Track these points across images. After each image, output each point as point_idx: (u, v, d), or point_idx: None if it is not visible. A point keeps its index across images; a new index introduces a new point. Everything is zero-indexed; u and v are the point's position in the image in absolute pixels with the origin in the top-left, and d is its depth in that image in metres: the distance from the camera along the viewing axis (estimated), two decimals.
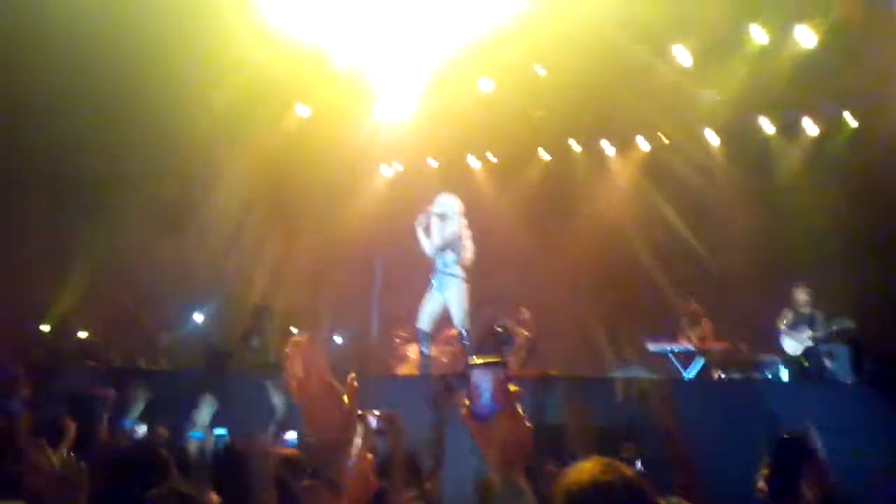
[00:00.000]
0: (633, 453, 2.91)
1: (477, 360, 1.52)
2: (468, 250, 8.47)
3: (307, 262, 11.74)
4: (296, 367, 1.54)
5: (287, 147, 11.38)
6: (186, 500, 2.41)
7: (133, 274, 11.41)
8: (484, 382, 1.50)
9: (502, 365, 1.52)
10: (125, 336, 10.93)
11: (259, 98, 10.56)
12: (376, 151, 12.46)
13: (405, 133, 11.63)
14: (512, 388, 1.51)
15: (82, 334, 10.89)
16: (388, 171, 13.66)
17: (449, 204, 8.66)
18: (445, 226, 8.55)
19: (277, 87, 10.70)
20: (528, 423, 1.52)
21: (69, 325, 10.97)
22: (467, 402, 1.50)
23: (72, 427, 4.12)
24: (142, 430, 4.92)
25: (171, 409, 5.34)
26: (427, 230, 8.61)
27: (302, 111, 11.81)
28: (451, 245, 8.51)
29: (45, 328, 11.21)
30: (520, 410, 1.51)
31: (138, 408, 4.44)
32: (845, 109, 11.18)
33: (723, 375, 9.66)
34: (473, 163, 13.38)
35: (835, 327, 9.40)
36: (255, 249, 11.99)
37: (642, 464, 2.90)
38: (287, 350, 1.55)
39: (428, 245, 8.60)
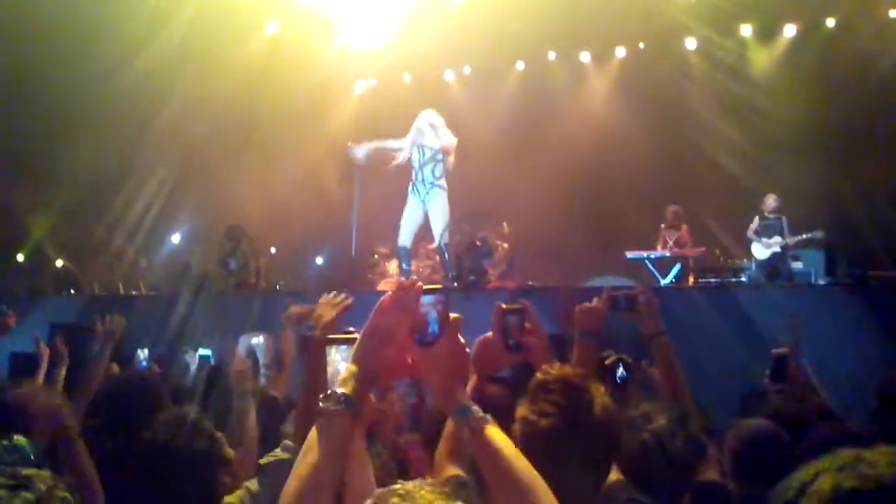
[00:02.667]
0: (614, 360, 2.94)
1: (426, 287, 1.51)
2: (451, 162, 8.43)
3: (283, 180, 11.61)
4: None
5: (258, 64, 11.08)
6: (190, 426, 2.40)
7: (106, 199, 11.26)
8: (431, 310, 1.49)
9: (446, 292, 1.51)
10: (103, 263, 10.86)
11: (226, 15, 10.21)
12: (349, 67, 12.18)
13: (378, 48, 11.34)
14: (453, 315, 1.51)
15: (59, 263, 10.81)
16: (361, 87, 13.41)
17: (436, 117, 8.55)
18: (440, 136, 8.44)
19: (245, 3, 10.35)
20: (467, 349, 1.52)
21: (45, 255, 10.88)
22: (411, 330, 1.50)
23: (65, 352, 4.10)
24: (143, 355, 4.88)
25: (155, 334, 5.37)
26: (436, 133, 8.48)
27: (271, 28, 11.47)
28: (444, 155, 8.44)
29: (21, 258, 11.11)
30: (460, 337, 1.51)
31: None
32: (823, 11, 11.05)
33: (699, 280, 9.83)
34: (449, 76, 13.15)
35: (805, 236, 9.57)
36: (230, 169, 11.83)
37: (624, 369, 2.94)
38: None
39: (436, 143, 8.45)
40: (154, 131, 10.98)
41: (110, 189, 11.31)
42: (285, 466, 2.34)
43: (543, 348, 2.11)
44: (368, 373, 1.49)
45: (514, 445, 1.45)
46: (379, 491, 1.25)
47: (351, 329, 3.31)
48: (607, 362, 2.95)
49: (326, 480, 1.40)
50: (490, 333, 2.03)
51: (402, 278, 8.87)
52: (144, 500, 2.32)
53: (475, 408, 1.47)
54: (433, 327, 1.49)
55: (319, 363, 1.96)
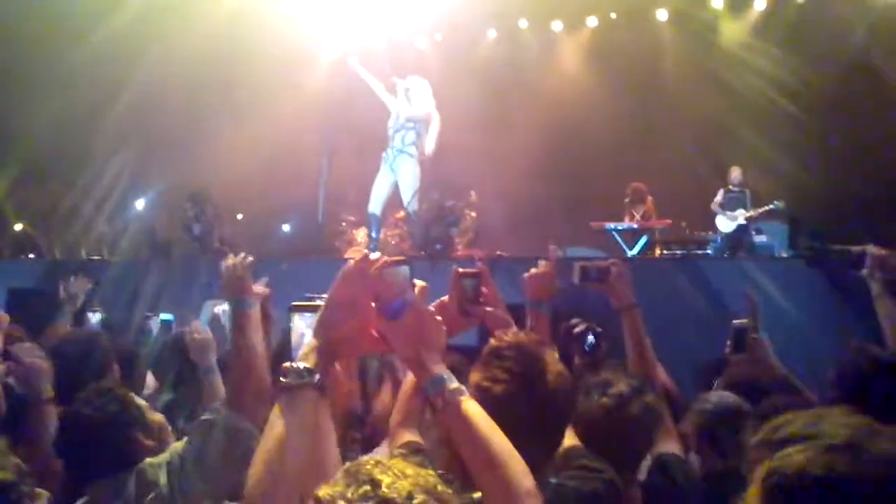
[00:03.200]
0: (584, 328, 2.94)
1: (387, 259, 1.49)
2: (432, 139, 8.37)
3: (249, 147, 11.43)
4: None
5: (227, 29, 10.83)
6: (111, 400, 2.47)
7: (69, 162, 11.01)
8: (397, 281, 1.47)
9: (410, 262, 1.50)
10: (64, 226, 10.65)
11: None
12: (321, 33, 11.97)
13: (350, 14, 11.16)
14: (419, 283, 1.49)
15: (18, 227, 10.57)
16: (333, 52, 13.19)
17: (420, 84, 8.48)
18: (413, 103, 8.38)
19: None
20: (438, 318, 1.51)
21: (3, 218, 10.62)
22: (375, 303, 1.47)
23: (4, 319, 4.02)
24: (95, 319, 4.78)
25: (115, 299, 5.28)
26: (407, 98, 8.42)
27: None
28: (413, 124, 8.38)
29: None
30: (428, 307, 1.50)
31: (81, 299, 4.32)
32: None
33: (665, 252, 9.94)
34: (421, 43, 13.00)
35: (767, 207, 9.73)
36: (197, 134, 11.61)
37: (594, 337, 2.94)
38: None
39: (407, 111, 8.40)
40: (120, 95, 10.73)
41: (73, 151, 11.06)
42: (210, 426, 2.39)
43: (499, 314, 2.11)
44: (331, 346, 1.46)
45: (487, 417, 1.43)
46: (352, 463, 1.23)
47: (313, 295, 3.27)
48: (576, 330, 2.95)
49: (293, 455, 1.37)
50: (446, 298, 1.99)
51: (370, 247, 8.88)
52: (66, 466, 2.46)
53: (449, 378, 1.45)
54: (399, 297, 1.46)
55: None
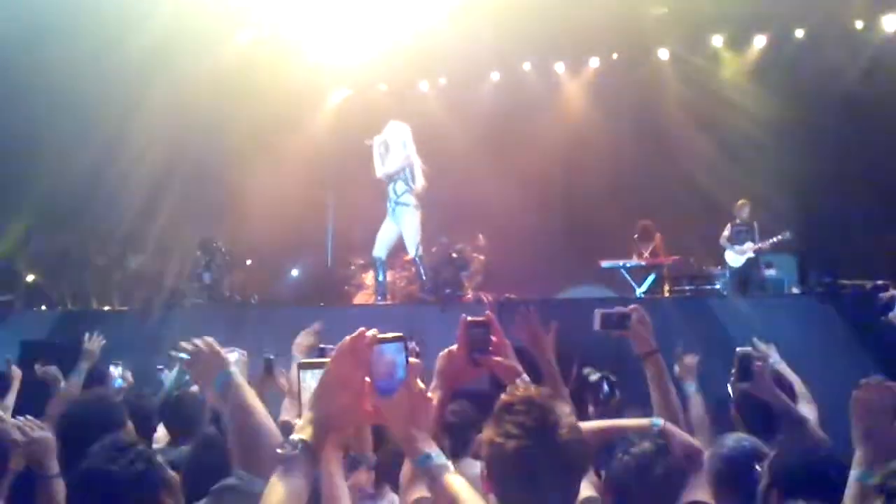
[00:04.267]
0: (598, 377, 2.94)
1: (381, 336, 1.52)
2: (419, 179, 8.43)
3: (256, 192, 11.53)
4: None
5: (233, 74, 11.01)
6: (137, 457, 2.36)
7: (77, 211, 11.11)
8: (395, 358, 1.51)
9: (406, 339, 1.53)
10: (75, 277, 10.70)
11: (199, 24, 10.14)
12: (325, 77, 12.15)
13: (354, 58, 11.33)
14: (412, 360, 1.52)
15: (30, 278, 10.64)
16: (337, 97, 13.38)
17: (395, 132, 8.57)
18: (389, 155, 8.50)
19: (218, 11, 10.28)
20: (429, 395, 1.55)
21: (15, 269, 10.69)
22: (370, 379, 1.52)
23: (17, 376, 4.03)
24: (118, 373, 4.74)
25: (130, 350, 5.29)
26: (381, 156, 8.57)
27: (245, 37, 11.40)
28: (398, 174, 8.48)
29: None
30: (420, 383, 1.53)
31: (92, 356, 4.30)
32: (793, 22, 11.24)
33: (674, 288, 9.92)
34: (424, 87, 13.17)
35: (775, 239, 9.74)
36: (204, 181, 11.72)
37: (608, 386, 2.93)
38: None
39: (379, 169, 8.57)
40: (125, 143, 10.86)
41: (83, 201, 11.16)
42: (233, 492, 2.32)
43: (508, 363, 2.11)
44: (326, 419, 1.51)
45: (472, 490, 1.48)
46: None
47: (326, 346, 3.26)
48: (591, 379, 2.95)
49: None
50: (454, 346, 2.01)
51: (377, 290, 8.90)
52: None
53: (436, 455, 1.51)
54: (395, 375, 1.50)
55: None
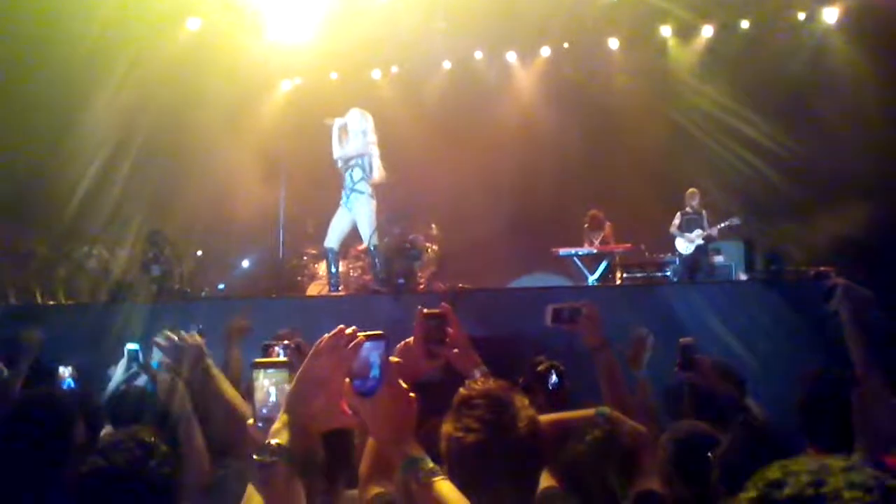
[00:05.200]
0: (546, 367, 2.96)
1: (362, 335, 1.47)
2: (378, 168, 8.38)
3: (206, 183, 11.34)
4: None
5: (180, 62, 10.78)
6: (149, 450, 2.16)
7: (20, 202, 10.78)
8: (373, 357, 1.45)
9: (386, 337, 1.48)
10: (18, 269, 10.38)
11: (146, 11, 9.90)
12: (275, 65, 11.98)
13: (304, 46, 11.19)
14: (393, 359, 1.49)
15: None
16: (287, 86, 13.21)
17: (356, 118, 8.49)
18: (349, 141, 8.42)
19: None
20: (411, 395, 1.50)
21: None
22: (349, 380, 1.46)
23: None
24: (68, 373, 4.56)
25: (77, 346, 5.16)
26: (339, 138, 8.47)
27: (193, 24, 11.17)
28: (355, 161, 8.40)
29: None
30: (401, 382, 1.49)
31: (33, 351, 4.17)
32: (739, 13, 11.46)
33: (626, 275, 10.06)
34: (376, 75, 13.09)
35: (723, 225, 9.96)
36: (151, 171, 11.47)
37: (556, 376, 2.96)
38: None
39: (336, 151, 8.47)
40: (70, 133, 10.57)
41: (26, 190, 10.83)
42: (227, 480, 2.27)
43: (466, 354, 2.11)
44: (303, 421, 1.45)
45: (462, 498, 1.44)
46: None
47: (271, 344, 3.19)
48: (540, 369, 2.97)
49: None
50: (411, 339, 2.00)
51: (331, 282, 8.84)
52: None
53: (424, 460, 1.46)
54: (374, 374, 1.45)
55: None
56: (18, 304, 9.12)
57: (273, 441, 1.42)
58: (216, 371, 2.40)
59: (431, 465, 1.45)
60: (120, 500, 2.06)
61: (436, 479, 1.44)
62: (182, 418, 2.86)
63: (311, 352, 1.49)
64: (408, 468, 1.45)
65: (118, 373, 4.30)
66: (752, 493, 1.18)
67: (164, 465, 2.13)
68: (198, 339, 2.39)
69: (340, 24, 10.82)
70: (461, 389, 1.85)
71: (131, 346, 4.11)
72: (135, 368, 4.00)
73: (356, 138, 8.41)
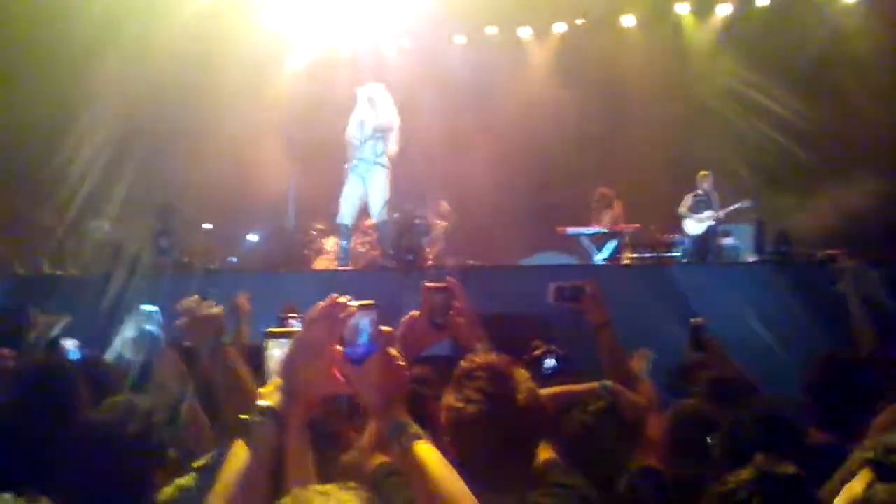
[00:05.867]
0: (542, 351, 2.96)
1: (354, 303, 1.49)
2: (396, 142, 8.35)
3: (215, 155, 11.34)
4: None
5: (191, 38, 10.73)
6: (140, 414, 2.26)
7: (30, 174, 10.82)
8: (363, 325, 1.47)
9: (377, 306, 1.50)
10: (27, 240, 10.44)
11: None
12: (286, 40, 11.91)
13: (314, 21, 11.12)
14: (385, 329, 1.49)
15: None
16: (299, 61, 13.14)
17: (382, 91, 8.44)
18: (378, 112, 8.33)
19: None
20: (402, 363, 1.51)
21: None
22: (340, 348, 1.48)
23: None
24: (72, 344, 4.60)
25: (87, 318, 5.18)
26: (371, 108, 8.36)
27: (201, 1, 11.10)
28: (382, 133, 8.34)
29: None
30: (394, 351, 1.49)
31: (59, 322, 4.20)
32: None
33: (634, 255, 10.02)
34: (387, 50, 13.00)
35: (733, 207, 9.89)
36: (163, 145, 11.48)
37: (556, 360, 2.95)
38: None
39: (370, 119, 8.33)
40: (82, 106, 10.57)
41: (36, 161, 10.87)
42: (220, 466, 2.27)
43: (471, 327, 2.11)
44: (295, 386, 1.48)
45: (445, 462, 1.45)
46: (298, 490, 1.31)
47: (287, 316, 3.22)
48: (536, 353, 2.98)
49: (253, 487, 1.41)
50: (416, 312, 2.01)
51: (340, 256, 8.84)
52: (78, 482, 2.19)
53: (409, 424, 1.47)
54: (363, 341, 1.47)
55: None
56: (26, 275, 9.18)
57: (262, 402, 1.45)
58: (229, 348, 2.41)
59: (415, 429, 1.46)
60: (109, 461, 2.14)
61: (417, 441, 1.44)
62: (184, 394, 2.93)
63: (305, 319, 1.51)
64: (393, 432, 1.46)
65: (126, 335, 4.32)
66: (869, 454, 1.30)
67: (156, 433, 2.21)
68: (217, 310, 2.40)
69: None
70: (462, 361, 1.86)
71: (149, 307, 4.19)
72: (152, 328, 4.06)
73: (387, 110, 8.35)
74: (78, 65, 10.31)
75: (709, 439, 2.48)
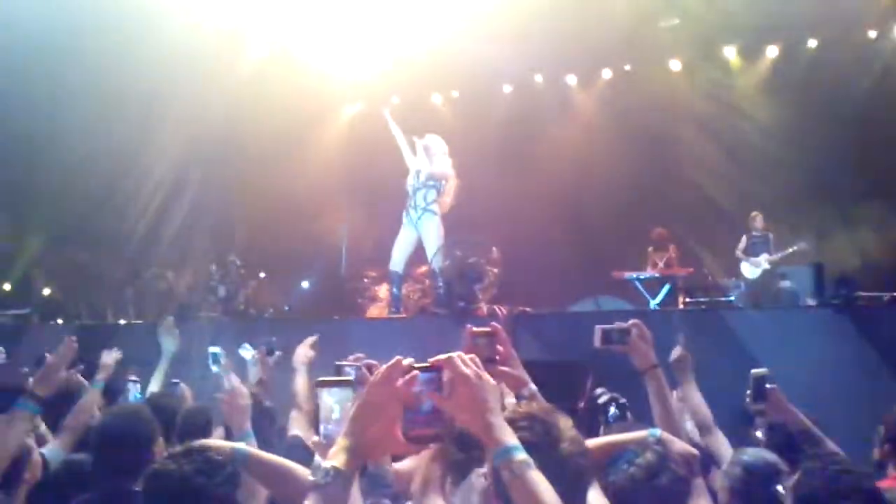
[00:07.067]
0: (607, 399, 2.93)
1: (416, 366, 1.52)
2: (450, 193, 8.49)
3: (269, 205, 11.60)
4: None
5: (247, 90, 11.09)
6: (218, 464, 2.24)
7: (90, 224, 11.20)
8: (424, 390, 1.51)
9: (441, 369, 1.52)
10: (90, 290, 10.78)
11: (213, 41, 10.23)
12: (338, 91, 12.22)
13: (366, 72, 11.40)
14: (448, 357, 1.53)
15: (46, 291, 10.72)
16: (349, 112, 13.45)
17: (438, 141, 8.63)
18: (433, 162, 8.51)
19: (231, 26, 10.37)
20: (486, 375, 1.54)
21: (32, 283, 10.78)
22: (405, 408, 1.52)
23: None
24: (134, 388, 4.75)
25: (144, 364, 5.30)
26: (425, 157, 8.55)
27: (260, 54, 11.49)
28: (434, 182, 8.50)
29: (7, 287, 11.01)
30: (474, 367, 1.52)
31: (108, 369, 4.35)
32: (805, 32, 11.22)
33: (688, 300, 9.85)
34: (437, 100, 13.22)
35: (790, 250, 9.67)
36: (218, 194, 11.80)
37: (616, 408, 2.93)
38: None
39: (425, 167, 8.50)
40: (138, 157, 10.96)
41: (96, 215, 11.25)
42: None
43: (514, 373, 2.11)
44: (359, 447, 1.50)
45: (552, 490, 1.47)
46: None
47: (343, 364, 3.25)
48: (600, 401, 2.95)
49: None
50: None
51: (392, 304, 8.90)
52: None
53: (517, 448, 1.49)
54: (426, 407, 1.50)
55: None
56: (90, 323, 9.45)
57: (329, 463, 1.47)
58: (255, 451, 2.46)
59: (524, 455, 1.48)
60: None
61: (531, 470, 1.46)
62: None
63: (369, 381, 1.54)
64: (501, 456, 1.48)
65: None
66: None
67: (227, 483, 2.19)
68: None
69: (402, 49, 10.98)
70: (504, 412, 1.87)
71: (214, 349, 4.34)
72: (218, 369, 4.17)
73: (442, 160, 8.52)
74: (135, 123, 10.71)
75: (780, 489, 2.41)
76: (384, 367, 1.53)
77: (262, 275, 11.31)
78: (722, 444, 3.34)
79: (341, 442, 1.50)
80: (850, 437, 3.26)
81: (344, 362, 3.18)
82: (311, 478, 1.48)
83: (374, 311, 9.72)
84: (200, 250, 11.02)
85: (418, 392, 1.50)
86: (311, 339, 3.81)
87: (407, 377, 1.50)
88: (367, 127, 12.28)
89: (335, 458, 1.48)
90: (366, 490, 2.21)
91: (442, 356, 1.54)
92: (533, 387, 2.18)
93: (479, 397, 1.51)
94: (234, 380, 2.99)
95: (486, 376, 1.55)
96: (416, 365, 1.52)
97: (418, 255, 8.83)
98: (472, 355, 1.57)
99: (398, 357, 1.52)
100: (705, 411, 3.49)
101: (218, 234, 11.28)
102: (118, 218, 11.35)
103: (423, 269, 9.08)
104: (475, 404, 1.50)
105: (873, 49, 10.96)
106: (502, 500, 1.70)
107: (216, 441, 2.51)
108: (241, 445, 2.40)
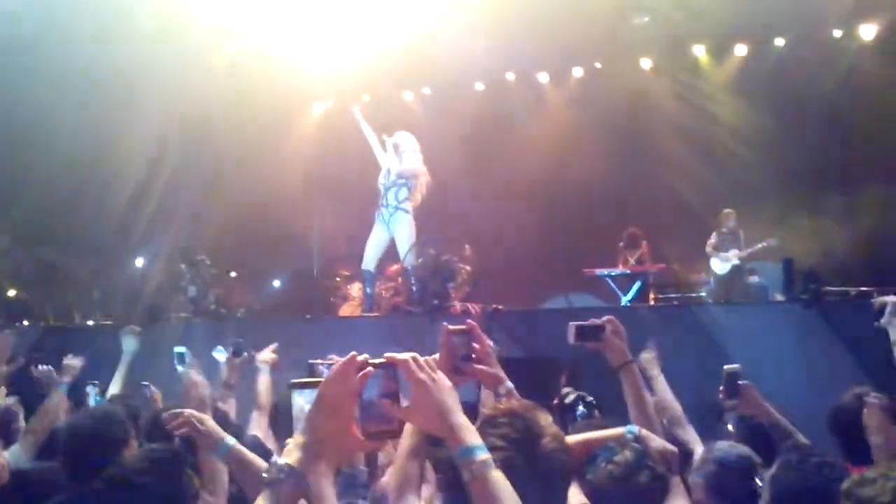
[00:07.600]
0: (574, 398, 2.93)
1: (371, 361, 1.51)
2: (420, 191, 8.46)
3: (239, 203, 11.49)
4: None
5: (214, 87, 10.97)
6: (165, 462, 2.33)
7: (58, 225, 11.02)
8: (381, 384, 1.50)
9: (394, 366, 1.51)
10: (56, 292, 10.60)
11: (182, 37, 10.10)
12: (308, 87, 12.13)
13: (336, 69, 11.32)
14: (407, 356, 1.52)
15: (11, 292, 10.53)
16: (320, 108, 13.37)
17: (408, 139, 8.59)
18: (402, 159, 8.47)
19: (204, 20, 10.24)
20: (440, 376, 1.54)
21: None
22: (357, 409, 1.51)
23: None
24: (93, 391, 4.72)
25: (111, 366, 5.22)
26: (395, 155, 8.51)
27: (229, 49, 11.37)
28: (405, 180, 8.46)
29: None
30: (436, 373, 1.53)
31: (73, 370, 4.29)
32: (773, 31, 11.36)
33: (659, 296, 9.94)
34: (408, 97, 13.19)
35: (759, 245, 9.79)
36: (185, 193, 11.66)
37: (584, 406, 2.92)
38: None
39: (394, 165, 8.46)
40: (106, 157, 10.79)
41: (64, 215, 11.06)
42: None
43: (491, 371, 2.11)
44: (314, 444, 1.49)
45: (512, 491, 1.45)
46: None
47: (315, 363, 3.23)
48: (567, 400, 2.95)
49: None
50: (436, 356, 1.97)
51: (365, 302, 8.86)
52: None
53: (479, 449, 1.47)
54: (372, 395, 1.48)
55: None
56: (56, 325, 9.30)
57: (283, 461, 1.46)
58: (240, 449, 2.53)
59: (487, 455, 1.46)
60: None
61: (490, 470, 1.44)
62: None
63: (326, 377, 1.52)
64: (461, 456, 1.46)
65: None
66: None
67: (183, 478, 2.28)
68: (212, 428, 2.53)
69: (373, 46, 10.93)
70: (484, 410, 1.86)
71: (180, 349, 4.33)
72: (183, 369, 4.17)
73: (413, 157, 8.49)
74: (103, 119, 10.55)
75: (758, 481, 2.42)
76: (339, 363, 1.51)
77: (232, 274, 11.21)
78: (693, 439, 3.36)
79: (296, 439, 1.49)
80: (818, 430, 3.29)
81: (318, 361, 3.17)
82: (264, 475, 1.46)
83: (347, 309, 9.67)
84: (169, 250, 10.89)
85: (375, 387, 1.49)
86: (272, 346, 3.83)
87: (361, 373, 1.48)
88: (338, 124, 12.22)
89: (289, 456, 1.46)
90: (340, 491, 2.19)
91: (398, 356, 1.53)
92: (510, 384, 2.17)
93: (436, 401, 1.50)
94: (194, 375, 3.00)
95: (441, 377, 1.54)
96: (372, 361, 1.50)
97: (390, 253, 8.80)
98: (426, 358, 1.56)
99: (353, 353, 1.50)
100: (675, 406, 3.51)
101: (188, 233, 11.14)
102: (85, 217, 11.17)
103: (396, 267, 9.05)
104: (434, 408, 1.49)
105: (839, 48, 11.12)
106: (448, 494, 1.69)
107: (211, 425, 2.55)
108: (228, 438, 2.49)
